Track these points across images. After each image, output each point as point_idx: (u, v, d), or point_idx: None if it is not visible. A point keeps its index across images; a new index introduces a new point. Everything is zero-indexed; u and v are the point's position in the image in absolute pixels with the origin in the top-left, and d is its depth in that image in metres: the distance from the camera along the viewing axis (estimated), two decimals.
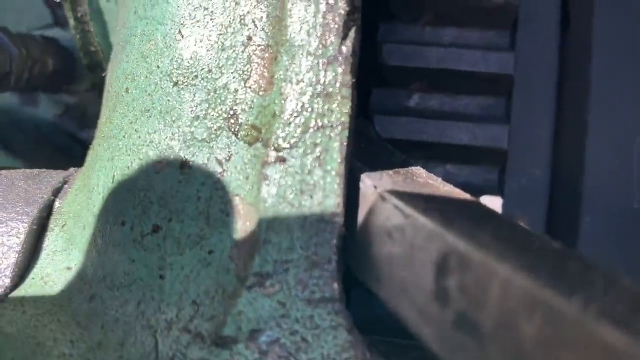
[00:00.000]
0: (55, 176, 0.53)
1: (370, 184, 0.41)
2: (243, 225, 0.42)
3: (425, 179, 0.43)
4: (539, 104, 0.56)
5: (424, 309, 0.33)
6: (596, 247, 0.51)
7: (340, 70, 0.40)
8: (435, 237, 0.32)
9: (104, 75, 0.53)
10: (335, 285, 0.39)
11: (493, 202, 0.56)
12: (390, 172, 0.43)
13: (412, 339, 0.35)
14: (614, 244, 0.51)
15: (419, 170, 0.45)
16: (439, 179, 0.43)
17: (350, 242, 0.41)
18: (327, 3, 0.41)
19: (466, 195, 0.40)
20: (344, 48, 0.40)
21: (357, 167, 0.43)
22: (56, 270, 0.47)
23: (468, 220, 0.33)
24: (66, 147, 0.94)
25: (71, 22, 0.71)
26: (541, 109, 0.56)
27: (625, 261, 0.51)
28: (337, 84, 0.40)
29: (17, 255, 0.47)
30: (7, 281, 0.47)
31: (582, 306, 0.24)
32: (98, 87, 0.60)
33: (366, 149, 0.50)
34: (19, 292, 0.46)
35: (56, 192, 0.51)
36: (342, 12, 0.41)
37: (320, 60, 0.41)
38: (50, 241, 0.49)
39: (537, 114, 0.56)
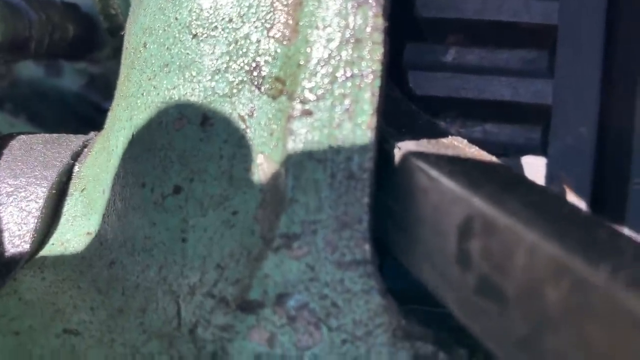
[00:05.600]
0: (74, 140, 0.51)
1: (394, 145, 0.38)
2: (268, 185, 0.39)
3: (451, 141, 0.41)
4: (586, 57, 0.52)
5: (445, 272, 0.32)
6: None
7: (371, 13, 0.37)
8: (459, 200, 0.31)
9: (123, 33, 0.50)
10: (367, 247, 0.37)
11: (536, 163, 0.52)
12: (416, 134, 0.41)
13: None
14: None
15: (445, 132, 0.43)
16: (465, 141, 0.41)
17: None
18: None
19: (494, 159, 0.38)
20: None
21: (382, 129, 0.40)
22: (76, 235, 0.45)
23: (495, 185, 0.32)
24: (91, 118, 0.92)
25: None
26: (588, 62, 0.52)
27: None
28: (368, 29, 0.37)
29: (36, 220, 0.46)
30: (27, 247, 0.45)
31: (610, 274, 0.23)
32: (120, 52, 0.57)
33: (390, 110, 0.47)
34: (39, 258, 0.45)
35: (75, 156, 0.50)
36: None
37: (350, 3, 0.37)
38: (70, 206, 0.47)
39: (583, 67, 0.52)
